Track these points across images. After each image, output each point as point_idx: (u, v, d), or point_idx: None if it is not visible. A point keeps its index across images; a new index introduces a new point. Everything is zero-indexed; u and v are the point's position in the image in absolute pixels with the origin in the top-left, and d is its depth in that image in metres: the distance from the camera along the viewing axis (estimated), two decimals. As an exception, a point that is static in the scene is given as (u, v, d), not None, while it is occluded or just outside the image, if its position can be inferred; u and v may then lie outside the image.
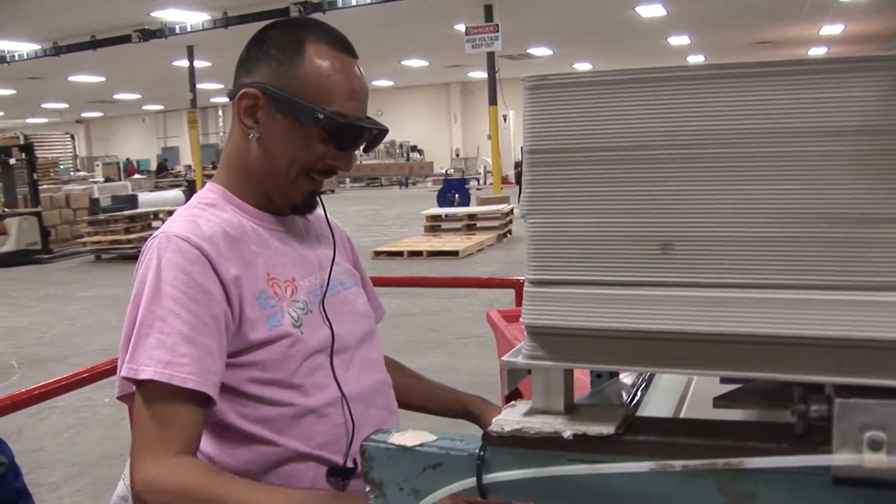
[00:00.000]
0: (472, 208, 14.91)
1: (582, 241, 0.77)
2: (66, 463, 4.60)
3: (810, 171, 0.70)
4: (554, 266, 0.77)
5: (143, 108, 38.03)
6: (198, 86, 22.08)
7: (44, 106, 33.92)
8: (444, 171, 26.74)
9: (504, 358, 0.83)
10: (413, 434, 0.86)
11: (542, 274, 0.78)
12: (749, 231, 0.72)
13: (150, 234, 1.42)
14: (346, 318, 1.52)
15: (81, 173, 30.99)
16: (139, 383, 1.27)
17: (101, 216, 14.57)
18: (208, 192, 1.51)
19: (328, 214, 1.61)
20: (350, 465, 1.42)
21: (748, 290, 0.72)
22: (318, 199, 1.53)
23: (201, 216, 1.43)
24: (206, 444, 1.41)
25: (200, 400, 1.29)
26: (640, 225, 0.74)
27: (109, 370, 2.47)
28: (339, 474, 1.42)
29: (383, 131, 1.50)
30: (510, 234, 13.91)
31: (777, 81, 0.70)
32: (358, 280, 1.67)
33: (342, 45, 1.44)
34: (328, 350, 1.44)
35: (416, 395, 1.78)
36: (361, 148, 1.53)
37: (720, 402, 1.06)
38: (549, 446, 0.78)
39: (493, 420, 0.81)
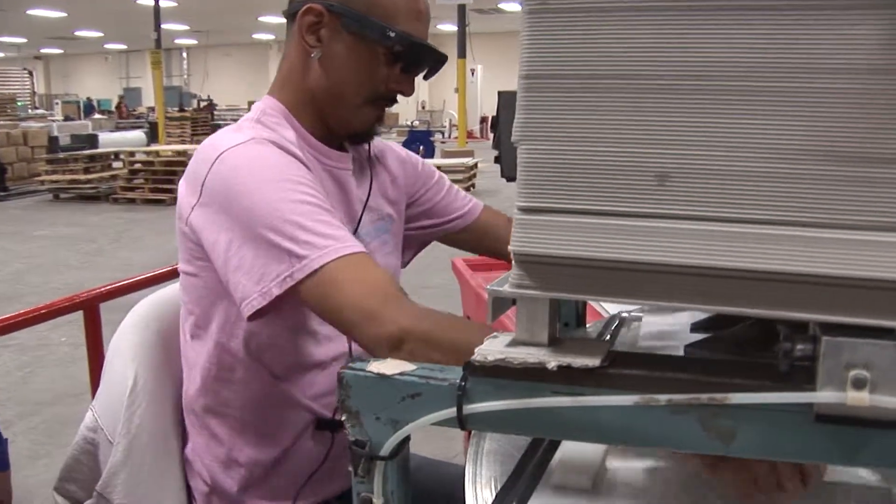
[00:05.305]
0: (437, 160, 14.85)
1: (576, 168, 0.75)
2: (18, 401, 4.53)
3: (813, 107, 0.69)
4: (546, 193, 0.76)
5: (106, 46, 37.20)
6: (162, 26, 21.61)
7: (0, 40, 33.06)
8: (409, 123, 26.57)
9: (489, 286, 0.81)
10: (392, 363, 0.85)
11: (533, 201, 0.76)
12: (747, 165, 0.71)
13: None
14: None
15: (40, 111, 30.31)
16: (311, 273, 1.15)
17: (60, 155, 14.27)
18: (269, 109, 1.40)
19: (372, 150, 1.54)
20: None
21: (743, 225, 0.71)
22: (376, 129, 1.46)
23: (276, 131, 1.34)
24: (209, 379, 1.38)
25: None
26: (637, 155, 0.73)
27: (67, 307, 2.39)
28: (327, 427, 1.40)
29: (443, 59, 1.43)
30: (473, 187, 13.88)
31: (786, 15, 0.69)
32: (392, 223, 1.59)
33: None
34: None
35: None
36: (422, 75, 1.45)
37: (691, 350, 1.07)
38: (532, 377, 0.77)
39: (476, 350, 0.80)
